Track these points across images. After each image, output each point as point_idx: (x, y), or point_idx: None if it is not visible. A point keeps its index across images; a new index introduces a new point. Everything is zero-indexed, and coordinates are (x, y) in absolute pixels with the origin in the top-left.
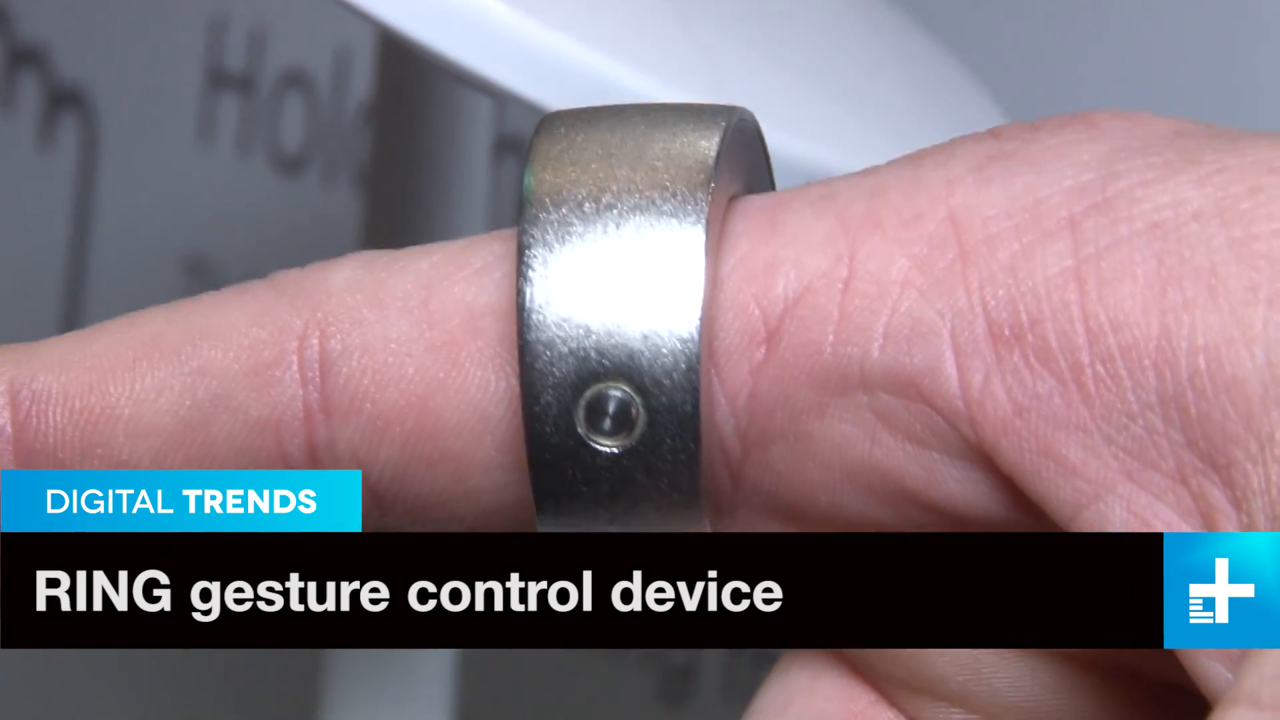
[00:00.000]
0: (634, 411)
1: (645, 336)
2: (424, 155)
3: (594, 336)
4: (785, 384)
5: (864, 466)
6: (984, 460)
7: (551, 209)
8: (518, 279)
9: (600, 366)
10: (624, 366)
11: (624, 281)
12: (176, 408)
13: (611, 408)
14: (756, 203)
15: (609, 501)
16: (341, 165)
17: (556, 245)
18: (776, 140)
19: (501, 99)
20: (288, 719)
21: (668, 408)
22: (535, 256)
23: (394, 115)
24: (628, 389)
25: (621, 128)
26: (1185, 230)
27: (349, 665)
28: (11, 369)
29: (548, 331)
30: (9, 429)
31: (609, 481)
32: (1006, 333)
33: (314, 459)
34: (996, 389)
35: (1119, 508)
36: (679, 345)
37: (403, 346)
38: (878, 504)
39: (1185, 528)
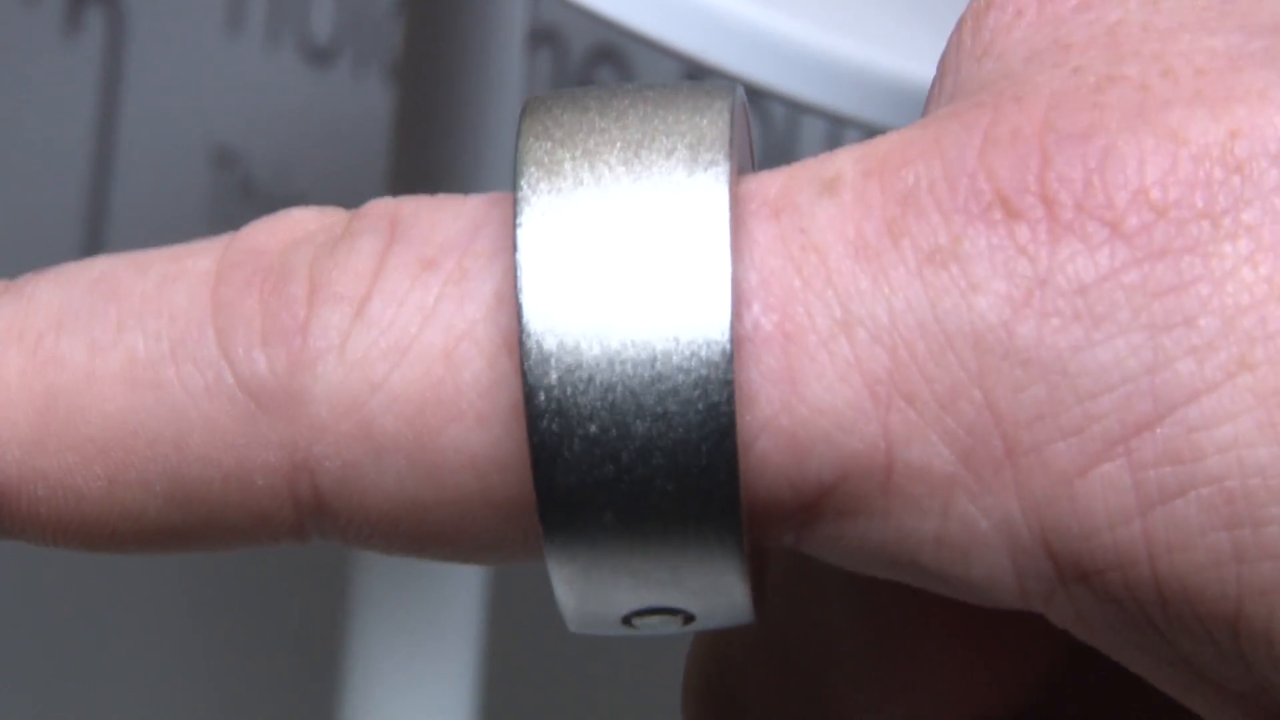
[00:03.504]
0: (681, 619)
1: (683, 562)
2: (456, 46)
3: (627, 576)
4: (833, 553)
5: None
6: None
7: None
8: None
9: (639, 600)
10: (665, 604)
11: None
12: (166, 522)
13: (657, 620)
14: (763, 326)
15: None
16: (372, 56)
17: (564, 403)
18: (817, 38)
19: None
20: (308, 683)
21: (714, 612)
22: (544, 448)
23: (426, 5)
24: (671, 612)
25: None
26: (1254, 498)
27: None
28: None
29: (571, 561)
30: None
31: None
32: (1069, 571)
33: (313, 541)
34: (1066, 609)
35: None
36: (733, 590)
37: (407, 500)
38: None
39: None
